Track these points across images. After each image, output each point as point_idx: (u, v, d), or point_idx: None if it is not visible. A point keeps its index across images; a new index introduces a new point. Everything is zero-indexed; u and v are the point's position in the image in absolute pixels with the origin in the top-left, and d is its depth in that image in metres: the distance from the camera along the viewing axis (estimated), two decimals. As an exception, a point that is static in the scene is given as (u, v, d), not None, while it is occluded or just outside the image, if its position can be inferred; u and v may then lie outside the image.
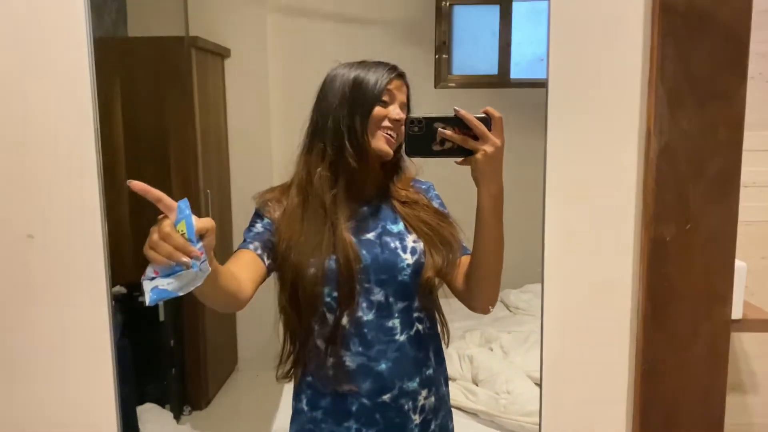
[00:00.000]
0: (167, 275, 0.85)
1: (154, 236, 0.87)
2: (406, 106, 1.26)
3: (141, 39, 3.18)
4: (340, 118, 1.21)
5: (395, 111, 1.22)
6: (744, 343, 2.04)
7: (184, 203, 0.87)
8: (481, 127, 1.05)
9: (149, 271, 0.86)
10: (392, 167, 1.29)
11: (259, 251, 1.19)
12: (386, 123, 1.21)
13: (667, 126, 0.61)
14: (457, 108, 1.06)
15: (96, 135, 0.93)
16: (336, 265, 1.17)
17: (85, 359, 0.94)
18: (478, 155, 1.06)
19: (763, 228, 2.09)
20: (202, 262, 0.87)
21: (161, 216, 0.89)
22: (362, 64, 1.25)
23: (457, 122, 1.06)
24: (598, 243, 0.68)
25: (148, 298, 0.86)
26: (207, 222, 0.91)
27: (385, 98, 1.21)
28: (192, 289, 0.87)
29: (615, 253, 0.67)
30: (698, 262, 0.63)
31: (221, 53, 3.60)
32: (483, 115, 1.06)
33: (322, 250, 1.18)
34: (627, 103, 0.65)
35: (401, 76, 1.25)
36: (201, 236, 0.88)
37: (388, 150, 1.23)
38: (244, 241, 1.23)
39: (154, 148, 3.18)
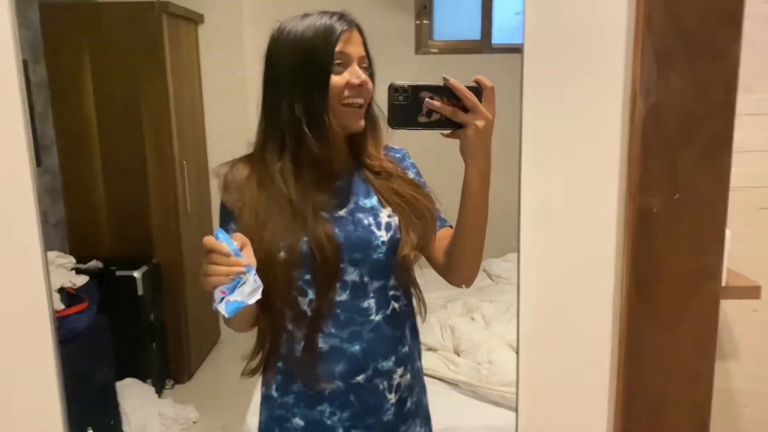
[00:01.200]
0: (233, 290, 0.95)
1: (212, 259, 0.96)
2: (367, 59, 1.13)
3: (110, 4, 3.05)
4: (294, 102, 1.10)
5: (354, 74, 1.10)
6: (726, 309, 2.04)
7: (219, 232, 0.99)
8: (473, 99, 0.97)
9: (218, 296, 0.95)
10: (362, 136, 1.18)
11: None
12: (347, 93, 1.10)
13: (654, 86, 0.56)
14: (446, 76, 0.97)
15: (22, 99, 0.84)
16: (308, 249, 1.11)
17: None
18: (469, 129, 0.98)
19: (746, 194, 2.07)
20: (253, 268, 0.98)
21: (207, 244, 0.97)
22: (304, 22, 1.11)
23: (445, 92, 0.98)
24: (579, 215, 0.63)
25: (226, 314, 0.95)
26: (241, 237, 1.01)
27: (338, 62, 1.09)
28: (258, 294, 0.96)
29: (597, 225, 0.62)
30: (687, 235, 0.59)
31: (194, 19, 3.47)
32: (474, 85, 0.98)
33: (293, 234, 1.11)
34: (611, 60, 0.59)
35: (350, 24, 1.11)
36: (240, 249, 0.98)
37: (358, 126, 1.13)
38: None
39: (127, 119, 3.09)
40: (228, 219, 1.16)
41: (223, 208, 1.18)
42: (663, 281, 0.60)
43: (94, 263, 2.95)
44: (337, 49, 1.08)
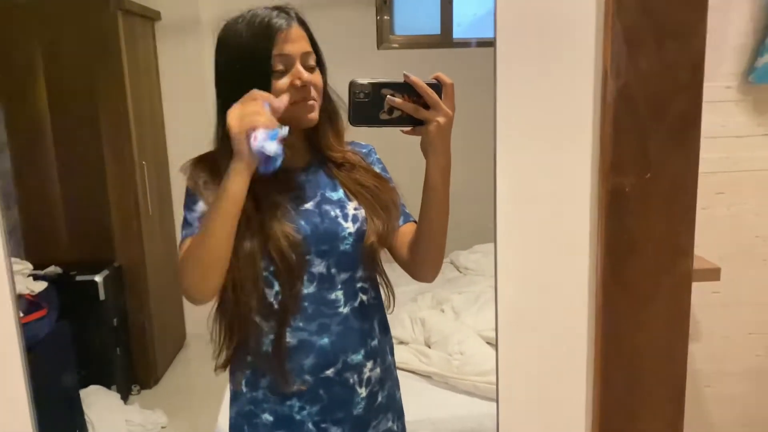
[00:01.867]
0: (274, 137, 0.97)
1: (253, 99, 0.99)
2: (314, 51, 1.11)
3: (63, 1, 2.96)
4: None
5: (296, 75, 1.07)
6: (687, 292, 2.10)
7: None
8: (434, 96, 0.98)
9: (261, 135, 0.97)
10: (321, 129, 1.17)
11: None
12: (293, 94, 1.07)
13: (624, 66, 0.57)
14: (407, 73, 0.97)
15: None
16: (277, 243, 1.10)
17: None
18: (431, 126, 0.99)
19: (703, 179, 2.14)
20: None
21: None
22: (244, 21, 1.08)
23: (406, 89, 0.97)
24: (553, 196, 0.64)
25: (271, 150, 0.97)
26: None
27: (279, 67, 1.06)
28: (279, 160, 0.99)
29: (571, 206, 0.63)
30: (659, 213, 0.60)
31: (150, 16, 3.40)
32: (434, 82, 0.98)
33: (250, 232, 1.09)
34: (581, 41, 0.60)
35: (289, 20, 1.08)
36: None
37: (310, 121, 1.12)
38: (190, 225, 1.13)
39: (84, 120, 3.00)
40: (195, 201, 1.14)
41: (189, 191, 1.16)
42: (637, 260, 0.61)
43: (52, 269, 2.86)
44: (276, 52, 1.06)
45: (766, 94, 2.03)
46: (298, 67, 1.08)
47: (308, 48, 1.10)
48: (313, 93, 1.10)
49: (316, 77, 1.11)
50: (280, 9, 1.10)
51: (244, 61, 1.08)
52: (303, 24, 1.11)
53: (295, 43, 1.08)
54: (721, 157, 2.08)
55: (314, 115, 1.12)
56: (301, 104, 1.09)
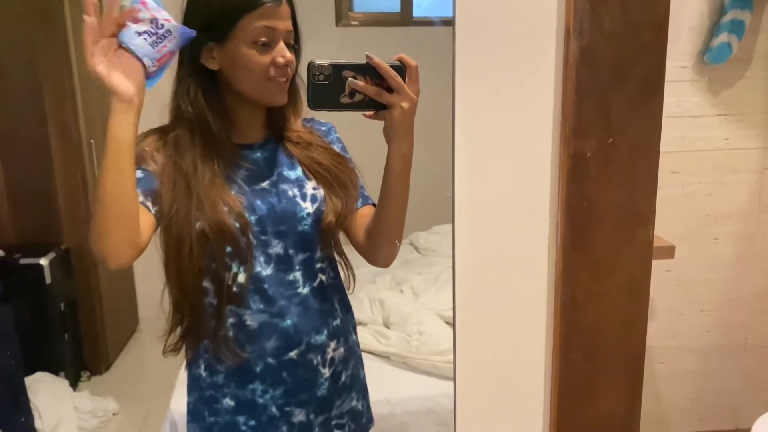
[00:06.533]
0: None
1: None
2: (294, 33, 1.08)
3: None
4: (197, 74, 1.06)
5: (280, 53, 1.05)
6: (642, 270, 2.13)
7: None
8: (398, 79, 0.93)
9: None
10: (282, 108, 1.14)
11: (140, 198, 1.03)
12: (272, 71, 1.05)
13: (588, 25, 0.54)
14: (369, 54, 0.92)
15: None
16: (227, 221, 1.05)
17: None
18: (394, 111, 0.95)
19: (660, 159, 2.16)
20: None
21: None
22: None
23: (368, 70, 0.92)
24: (513, 163, 0.61)
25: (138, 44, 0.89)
26: None
27: (263, 39, 1.03)
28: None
29: (531, 173, 0.60)
30: (620, 180, 0.57)
31: (98, -14, 3.24)
32: (397, 63, 0.94)
33: (199, 212, 1.04)
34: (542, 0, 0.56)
35: None
36: None
37: (281, 101, 1.09)
38: None
39: (27, 97, 2.84)
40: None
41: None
42: (597, 228, 0.59)
43: (-6, 251, 2.74)
44: (265, 23, 1.03)
45: (720, 75, 2.05)
46: (282, 44, 1.05)
47: (291, 27, 1.07)
48: (289, 74, 1.08)
49: (293, 58, 1.08)
50: None
51: (218, 6, 1.03)
52: (290, 1, 1.08)
53: (284, 20, 1.05)
54: (676, 136, 2.11)
55: (284, 96, 1.10)
56: (274, 82, 1.06)
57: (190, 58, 1.06)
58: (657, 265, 2.13)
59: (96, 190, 0.95)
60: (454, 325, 0.63)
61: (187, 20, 1.05)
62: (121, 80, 0.90)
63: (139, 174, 1.04)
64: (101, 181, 0.94)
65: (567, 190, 0.58)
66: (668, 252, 1.88)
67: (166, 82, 1.10)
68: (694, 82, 2.08)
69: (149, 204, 1.04)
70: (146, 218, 1.02)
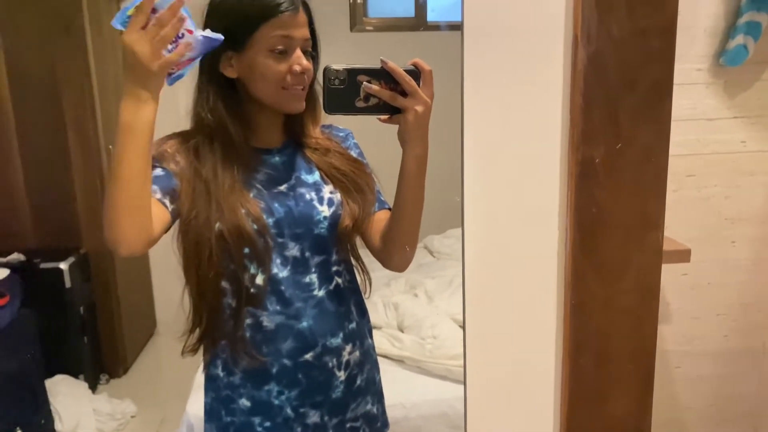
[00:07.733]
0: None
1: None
2: (311, 41, 1.10)
3: (21, -21, 2.84)
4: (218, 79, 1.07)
5: (297, 61, 1.06)
6: (658, 274, 2.11)
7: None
8: (412, 83, 0.94)
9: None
10: (301, 115, 1.16)
11: (158, 195, 1.05)
12: (289, 79, 1.06)
13: (595, 32, 0.55)
14: (384, 59, 0.94)
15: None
16: (245, 224, 1.07)
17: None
18: (408, 115, 0.96)
19: (674, 161, 2.15)
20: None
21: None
22: None
23: (383, 75, 0.94)
24: (522, 169, 0.61)
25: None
26: None
27: (280, 48, 1.04)
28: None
29: (540, 179, 0.61)
30: (629, 185, 0.58)
31: (116, -7, 3.29)
32: (412, 68, 0.95)
33: (219, 214, 1.06)
34: (551, 6, 0.57)
35: (295, 3, 1.05)
36: None
37: (298, 108, 1.11)
38: None
39: (46, 102, 2.89)
40: (155, 164, 1.07)
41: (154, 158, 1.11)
42: (607, 232, 0.59)
43: (15, 256, 2.78)
44: (282, 32, 1.04)
45: (736, 77, 2.03)
46: (299, 52, 1.07)
47: (308, 35, 1.09)
48: (306, 81, 1.09)
49: (310, 68, 1.09)
50: None
51: (241, 15, 1.04)
52: (307, 10, 1.09)
53: (301, 28, 1.07)
54: (691, 139, 2.09)
55: (302, 104, 1.11)
56: (292, 90, 1.08)
57: (209, 66, 1.08)
58: (673, 269, 2.11)
59: (110, 179, 0.96)
60: (464, 329, 0.64)
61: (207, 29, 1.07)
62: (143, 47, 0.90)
63: (159, 172, 1.06)
64: (114, 168, 0.94)
65: (576, 195, 0.58)
66: (684, 255, 1.86)
67: (185, 92, 1.13)
68: (710, 84, 2.06)
69: (167, 201, 1.06)
70: (162, 213, 1.04)
